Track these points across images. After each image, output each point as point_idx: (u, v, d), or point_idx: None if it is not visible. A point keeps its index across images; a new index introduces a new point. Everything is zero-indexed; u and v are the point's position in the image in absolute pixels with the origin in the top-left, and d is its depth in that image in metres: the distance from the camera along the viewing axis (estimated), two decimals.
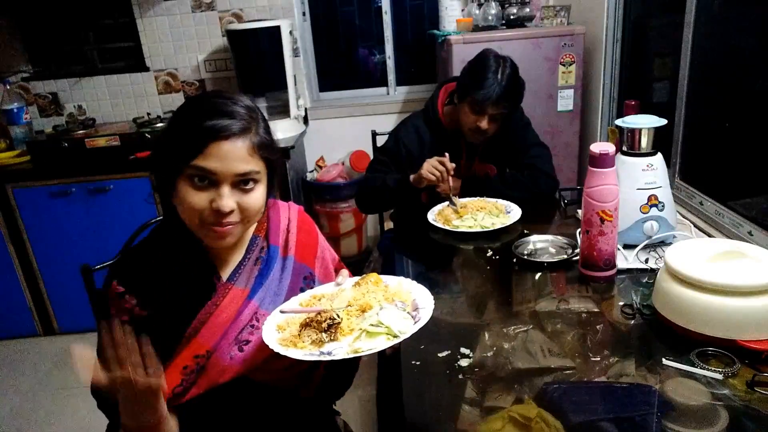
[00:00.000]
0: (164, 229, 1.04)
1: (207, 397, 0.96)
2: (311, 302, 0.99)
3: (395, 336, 0.85)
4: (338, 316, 0.89)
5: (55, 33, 3.09)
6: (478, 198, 1.81)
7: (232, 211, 0.91)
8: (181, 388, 0.95)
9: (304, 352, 0.86)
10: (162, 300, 0.96)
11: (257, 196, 0.96)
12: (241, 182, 0.93)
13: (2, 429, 2.27)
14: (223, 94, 0.97)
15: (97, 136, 2.64)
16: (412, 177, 1.80)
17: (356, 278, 1.04)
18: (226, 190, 0.91)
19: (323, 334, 0.88)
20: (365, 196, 1.97)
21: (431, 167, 1.73)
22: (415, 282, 1.01)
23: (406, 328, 0.87)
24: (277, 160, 1.00)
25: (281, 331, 0.92)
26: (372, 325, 0.87)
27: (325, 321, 0.89)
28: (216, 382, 0.96)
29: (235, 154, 0.90)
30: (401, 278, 1.02)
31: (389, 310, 0.91)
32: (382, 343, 0.84)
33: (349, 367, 1.13)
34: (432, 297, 0.94)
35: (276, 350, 0.85)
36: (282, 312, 0.96)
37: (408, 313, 0.92)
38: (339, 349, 0.85)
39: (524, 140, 1.95)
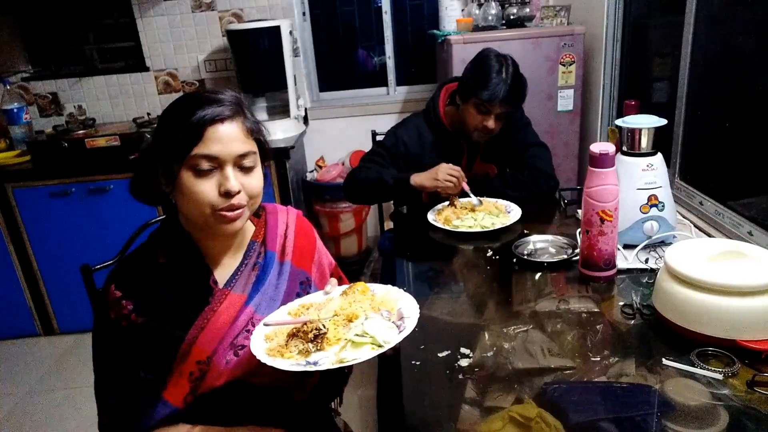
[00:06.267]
0: (162, 233, 1.04)
1: (202, 399, 0.96)
2: (300, 311, 1.00)
3: (380, 346, 0.86)
4: (324, 327, 0.91)
5: (55, 33, 3.09)
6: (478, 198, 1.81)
7: (239, 192, 0.94)
8: (191, 396, 0.95)
9: (291, 362, 0.87)
10: (159, 305, 0.96)
11: (258, 177, 0.99)
12: (242, 164, 0.95)
13: (2, 429, 2.26)
14: (205, 89, 0.99)
15: (97, 136, 2.64)
16: (414, 180, 1.77)
17: (345, 287, 1.05)
18: (230, 172, 0.93)
19: (309, 344, 0.89)
20: (356, 185, 1.90)
21: (447, 175, 1.72)
22: (402, 291, 1.01)
23: (391, 337, 0.88)
24: (268, 144, 1.04)
25: (269, 341, 0.93)
26: (357, 335, 0.88)
27: (311, 331, 0.90)
28: (212, 386, 0.96)
29: (232, 136, 0.94)
30: (389, 286, 1.03)
31: (374, 319, 0.92)
32: (367, 353, 0.85)
33: (340, 372, 1.13)
34: (417, 305, 0.95)
35: (263, 360, 0.87)
36: (266, 324, 0.96)
37: (393, 322, 0.93)
38: (325, 359, 0.87)
39: (524, 140, 1.95)
